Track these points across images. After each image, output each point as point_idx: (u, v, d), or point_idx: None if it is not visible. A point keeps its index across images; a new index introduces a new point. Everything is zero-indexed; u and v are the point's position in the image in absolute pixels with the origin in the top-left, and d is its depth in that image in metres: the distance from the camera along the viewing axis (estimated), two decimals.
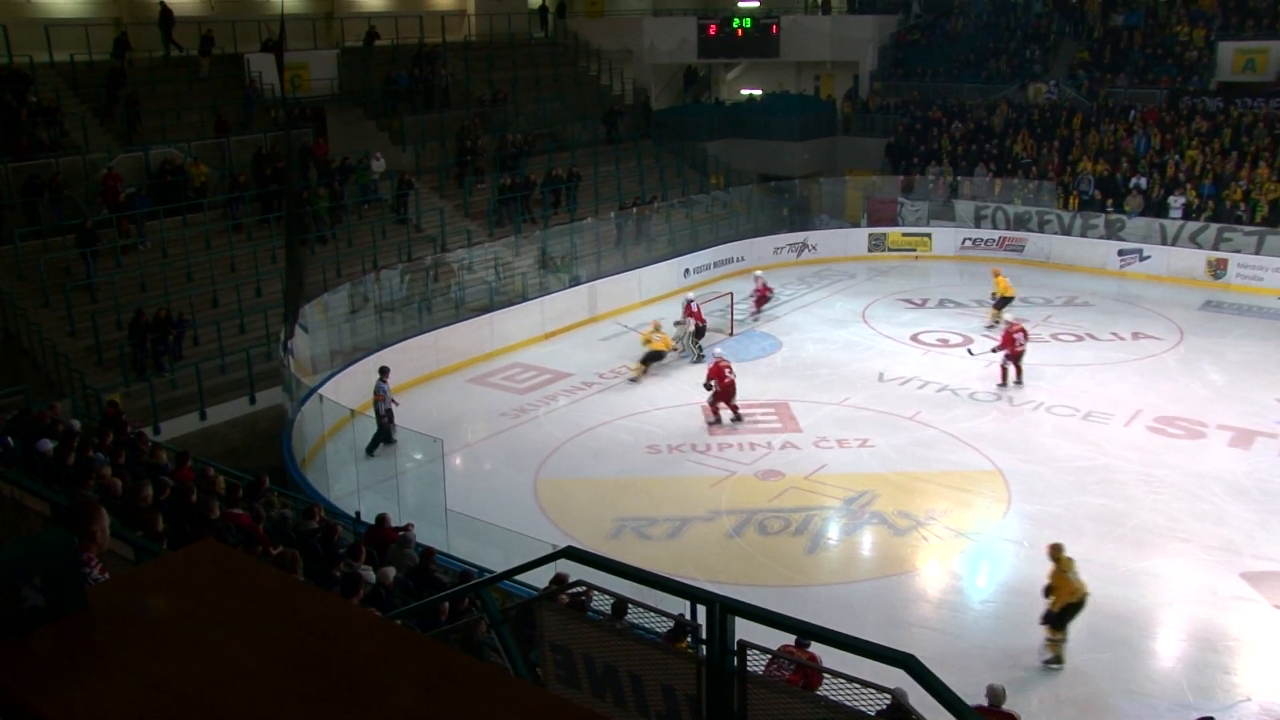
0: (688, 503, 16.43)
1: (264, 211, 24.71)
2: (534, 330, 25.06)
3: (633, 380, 21.88)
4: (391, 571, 10.33)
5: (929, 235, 33.55)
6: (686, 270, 29.84)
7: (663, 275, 29.08)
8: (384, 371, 18.88)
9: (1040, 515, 15.84)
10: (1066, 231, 32.18)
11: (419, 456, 17.19)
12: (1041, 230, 32.54)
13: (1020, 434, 18.88)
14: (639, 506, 16.37)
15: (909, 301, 28.19)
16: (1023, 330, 21.23)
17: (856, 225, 34.84)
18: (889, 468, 17.68)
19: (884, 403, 20.53)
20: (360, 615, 2.96)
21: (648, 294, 28.30)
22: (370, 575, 9.49)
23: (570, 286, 26.86)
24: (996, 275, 25.70)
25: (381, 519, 12.55)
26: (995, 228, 33.19)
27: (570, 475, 17.69)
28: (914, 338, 24.73)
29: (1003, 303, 24.97)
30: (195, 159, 24.55)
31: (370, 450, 18.17)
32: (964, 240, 33.21)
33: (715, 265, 30.83)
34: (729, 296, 25.48)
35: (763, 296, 26.64)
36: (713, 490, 16.87)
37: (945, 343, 24.19)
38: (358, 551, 10.32)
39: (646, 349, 22.46)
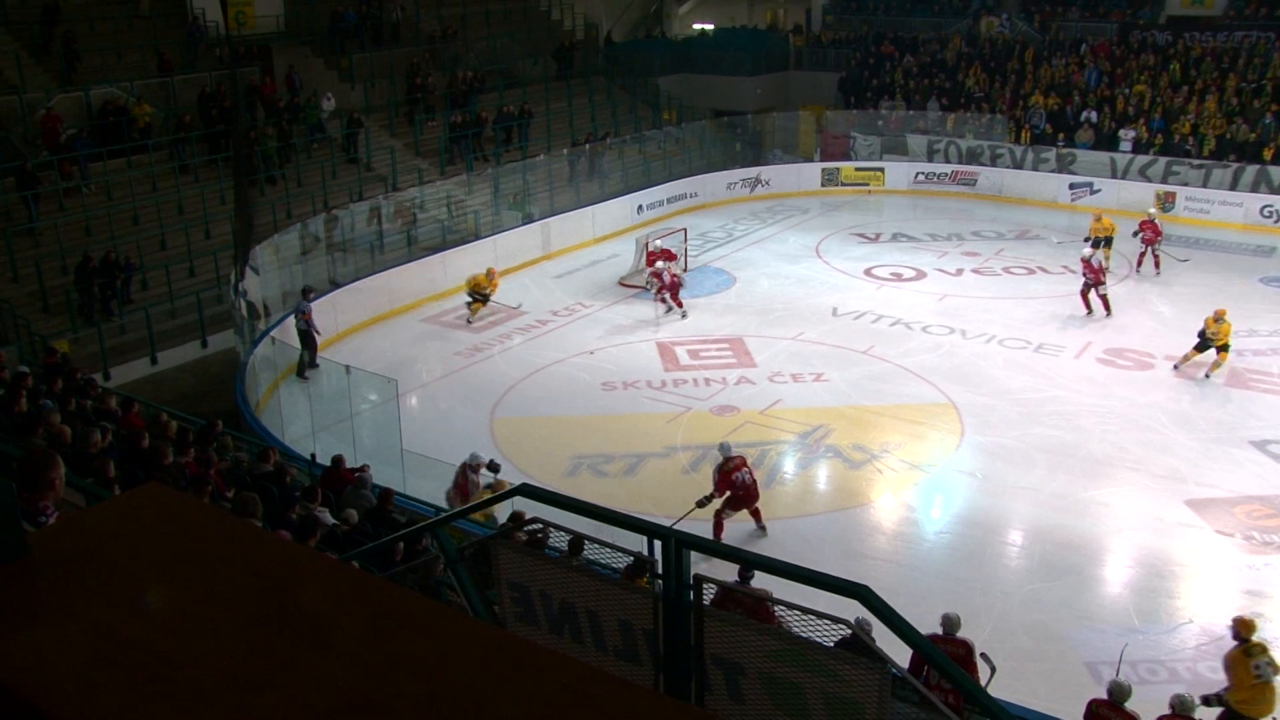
0: (644, 439, 16.47)
1: (211, 152, 24.16)
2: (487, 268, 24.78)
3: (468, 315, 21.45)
4: (354, 514, 10.30)
5: (882, 170, 33.54)
6: (640, 207, 29.69)
7: (615, 212, 28.90)
8: (306, 291, 19.12)
9: (993, 447, 16.05)
10: (1018, 165, 32.27)
11: (374, 398, 17.09)
12: (994, 164, 32.61)
13: (973, 367, 19.06)
14: (595, 444, 16.39)
15: (862, 236, 28.23)
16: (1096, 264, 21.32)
17: (809, 160, 34.77)
18: (843, 402, 17.80)
19: (838, 337, 20.62)
20: (310, 557, 2.92)
21: (601, 231, 28.15)
22: (327, 517, 9.44)
23: (523, 224, 26.65)
24: (1099, 217, 24.39)
25: (337, 461, 12.48)
26: (948, 162, 33.24)
27: (526, 414, 17.67)
28: (867, 272, 24.81)
29: (1105, 242, 23.58)
30: (138, 99, 23.87)
31: (300, 372, 18.46)
32: (916, 175, 33.25)
33: (668, 201, 30.72)
34: (683, 233, 25.39)
35: (674, 285, 22.08)
36: (668, 427, 16.92)
37: (899, 277, 24.30)
38: (313, 494, 10.25)
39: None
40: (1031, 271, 24.75)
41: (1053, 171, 31.63)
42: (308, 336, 18.98)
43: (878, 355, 19.70)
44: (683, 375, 19.01)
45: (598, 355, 19.98)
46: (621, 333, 21.21)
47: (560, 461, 15.79)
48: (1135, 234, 23.77)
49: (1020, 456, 15.64)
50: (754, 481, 13.44)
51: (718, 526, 13.46)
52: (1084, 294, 21.51)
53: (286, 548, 2.92)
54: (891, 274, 24.61)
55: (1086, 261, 21.40)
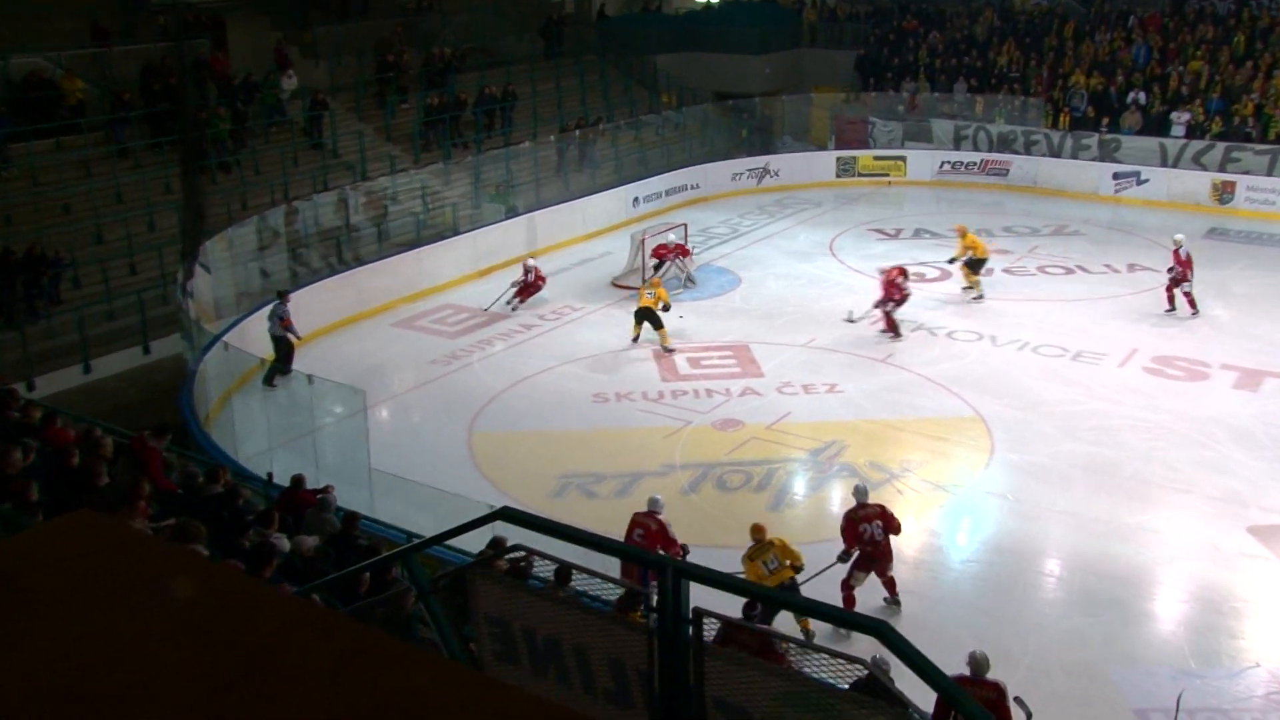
0: (639, 456, 16.44)
1: (154, 135, 24.04)
2: (466, 267, 24.87)
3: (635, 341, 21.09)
4: (311, 540, 10.23)
5: (903, 159, 33.65)
6: (635, 199, 29.75)
7: (609, 205, 28.93)
8: (282, 294, 19.21)
9: (1026, 465, 16.03)
10: (1056, 153, 32.37)
11: (339, 410, 17.04)
12: (1028, 152, 32.71)
13: (1004, 377, 19.05)
14: (585, 461, 16.35)
15: (881, 232, 28.27)
16: (902, 271, 21.09)
17: (823, 148, 34.86)
18: (859, 415, 17.78)
19: (853, 344, 20.61)
20: (264, 590, 2.89)
21: (592, 226, 28.17)
22: (284, 544, 9.39)
23: (507, 218, 26.63)
24: (963, 234, 23.51)
25: (297, 481, 12.40)
26: (977, 150, 33.34)
27: (508, 428, 17.63)
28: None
29: (976, 264, 23.18)
30: (68, 72, 23.65)
31: (268, 379, 18.51)
32: (942, 164, 33.35)
33: (667, 194, 30.77)
34: (683, 228, 25.40)
35: (535, 286, 23.22)
36: (666, 442, 16.88)
37: (921, 277, 24.25)
38: (269, 518, 10.18)
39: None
40: (1070, 271, 24.77)
41: (1094, 160, 31.69)
42: (284, 342, 19.00)
43: (897, 364, 19.70)
44: (682, 386, 18.98)
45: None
46: (615, 338, 21.20)
47: (546, 481, 15.74)
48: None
49: (1057, 476, 15.61)
50: (886, 539, 12.34)
51: (848, 600, 12.29)
52: (1168, 288, 21.56)
53: (237, 580, 2.89)
54: (913, 274, 24.57)
55: (1175, 252, 21.40)
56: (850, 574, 12.34)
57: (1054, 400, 18.11)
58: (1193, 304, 21.49)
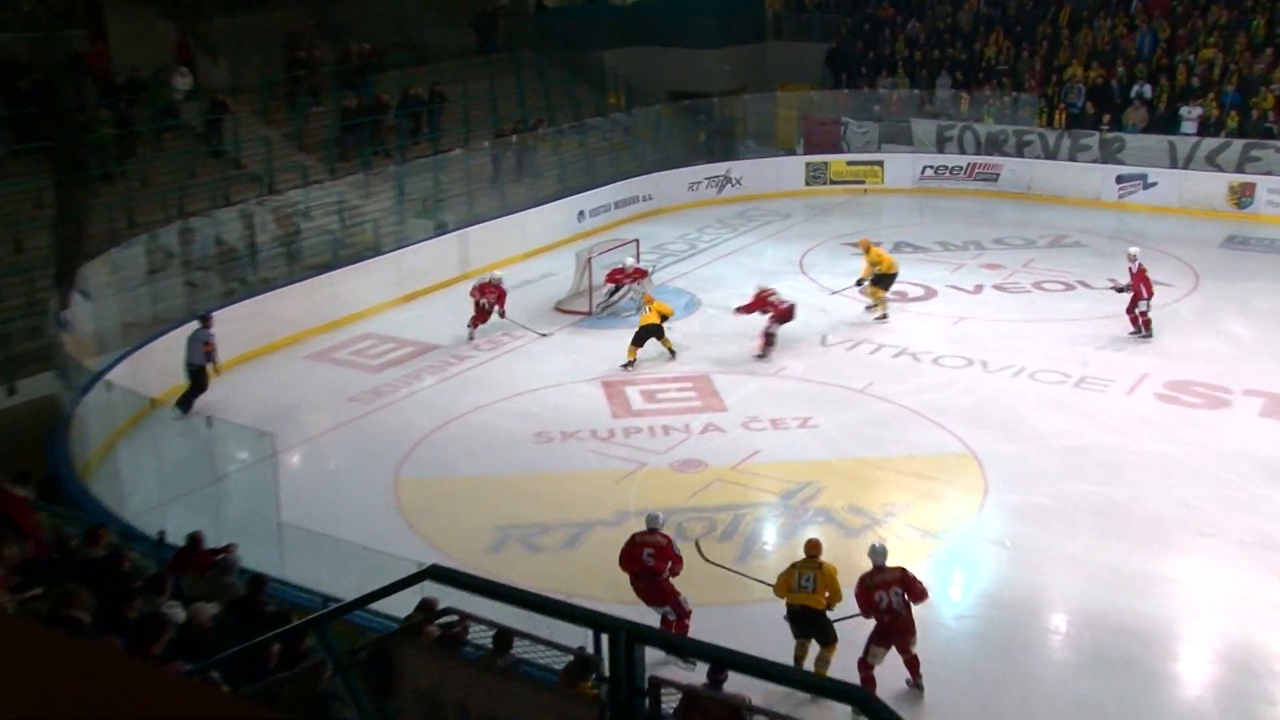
0: (588, 504, 16.36)
1: (20, 140, 23.73)
2: (390, 292, 24.84)
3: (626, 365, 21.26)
4: (210, 608, 10.09)
5: (880, 164, 33.96)
6: (581, 213, 29.86)
7: (552, 219, 29.02)
8: (205, 318, 19.31)
9: (1025, 507, 16.07)
10: (1052, 155, 32.86)
11: (244, 456, 16.90)
12: (1021, 155, 33.20)
13: (997, 407, 19.15)
14: (527, 510, 16.24)
15: (857, 247, 28.32)
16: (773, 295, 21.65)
17: (791, 153, 35.15)
18: (836, 453, 17.79)
19: (828, 372, 20.71)
20: (149, 671, 2.80)
21: (532, 243, 28.20)
22: (178, 614, 9.24)
23: (435, 236, 26.62)
24: (867, 249, 23.68)
25: (193, 540, 12.25)
26: (963, 153, 33.78)
27: (439, 473, 17.54)
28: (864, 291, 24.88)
29: (885, 280, 23.32)
30: None
31: (184, 404, 18.59)
32: (924, 169, 33.72)
33: (617, 206, 30.96)
34: (635, 244, 25.43)
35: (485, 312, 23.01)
36: (618, 487, 16.83)
37: (903, 296, 24.43)
38: (160, 584, 10.05)
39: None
40: (1070, 287, 25.02)
41: (1095, 162, 32.13)
42: (202, 374, 19.06)
43: (878, 394, 19.76)
44: (635, 423, 18.95)
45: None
46: (559, 370, 21.16)
47: (482, 534, 15.62)
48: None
49: (1061, 519, 15.64)
50: (908, 609, 11.79)
51: (867, 681, 11.77)
52: (1129, 309, 21.71)
53: (115, 660, 2.79)
54: (894, 292, 24.71)
55: (1130, 268, 21.49)
56: (867, 649, 11.84)
57: (1055, 433, 18.20)
58: (1147, 325, 21.58)
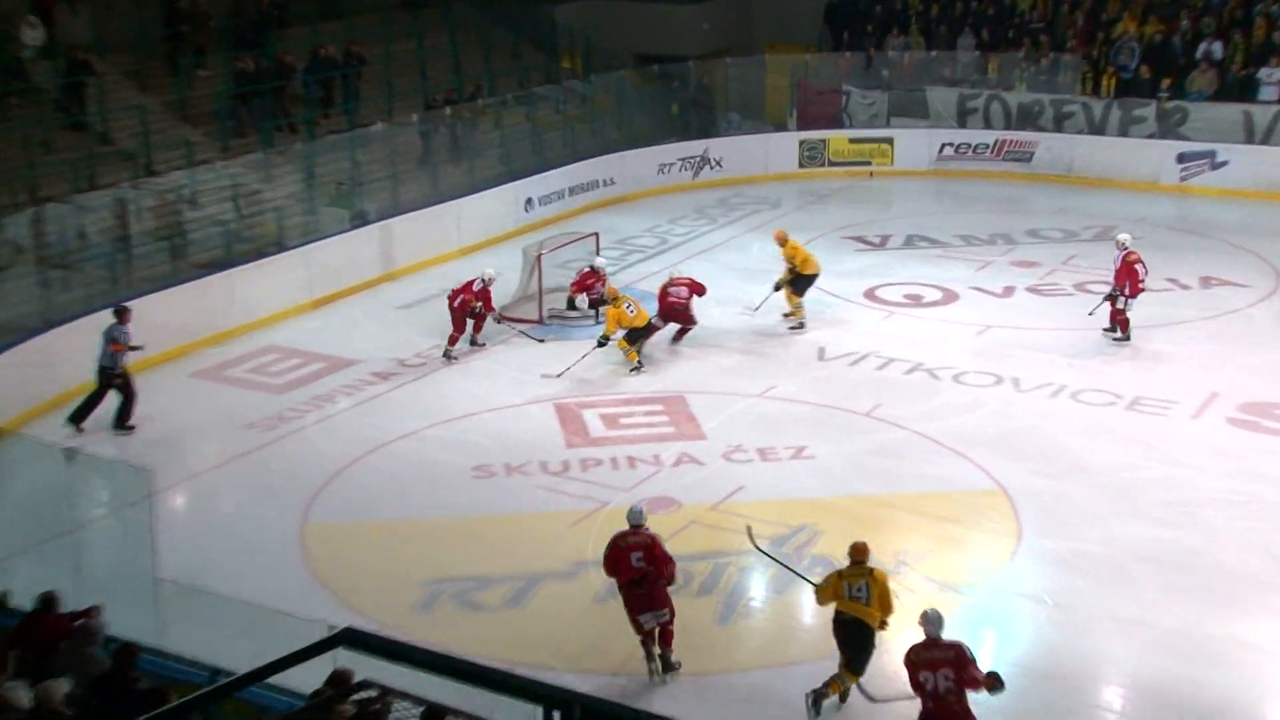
0: (537, 552, 16.24)
1: None
2: (298, 295, 24.77)
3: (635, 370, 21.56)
4: (65, 686, 9.92)
5: (890, 141, 34.02)
6: (529, 201, 29.91)
7: (493, 208, 29.07)
8: (120, 312, 19.47)
9: (1068, 556, 15.94)
10: (1098, 129, 32.93)
11: (111, 498, 16.74)
12: (1060, 129, 33.22)
13: (1034, 433, 19.07)
14: (463, 560, 16.13)
15: (862, 241, 28.54)
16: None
17: (782, 128, 35.24)
18: (837, 490, 17.71)
19: (827, 392, 20.64)
20: None
21: (470, 238, 28.26)
22: (21, 697, 9.06)
23: (352, 227, 26.58)
24: (783, 242, 23.54)
25: (47, 602, 12.08)
26: (989, 127, 33.87)
27: (356, 517, 17.38)
28: (870, 293, 24.99)
29: (801, 283, 23.23)
30: None
31: (76, 416, 19.12)
32: (942, 147, 33.88)
33: (571, 192, 31.04)
34: (594, 239, 25.35)
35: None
36: (574, 531, 16.66)
37: (917, 300, 24.47)
38: (1, 659, 9.82)
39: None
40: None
41: (1152, 138, 32.16)
42: (107, 378, 19.19)
43: (887, 418, 19.69)
44: (595, 453, 18.85)
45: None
46: (502, 390, 21.06)
47: (409, 589, 15.48)
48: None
49: (1113, 571, 15.53)
50: (959, 697, 11.24)
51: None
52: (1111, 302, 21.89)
53: None
54: (906, 296, 24.80)
55: (1125, 257, 21.59)
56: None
57: (1104, 465, 18.09)
58: (1124, 326, 21.73)
